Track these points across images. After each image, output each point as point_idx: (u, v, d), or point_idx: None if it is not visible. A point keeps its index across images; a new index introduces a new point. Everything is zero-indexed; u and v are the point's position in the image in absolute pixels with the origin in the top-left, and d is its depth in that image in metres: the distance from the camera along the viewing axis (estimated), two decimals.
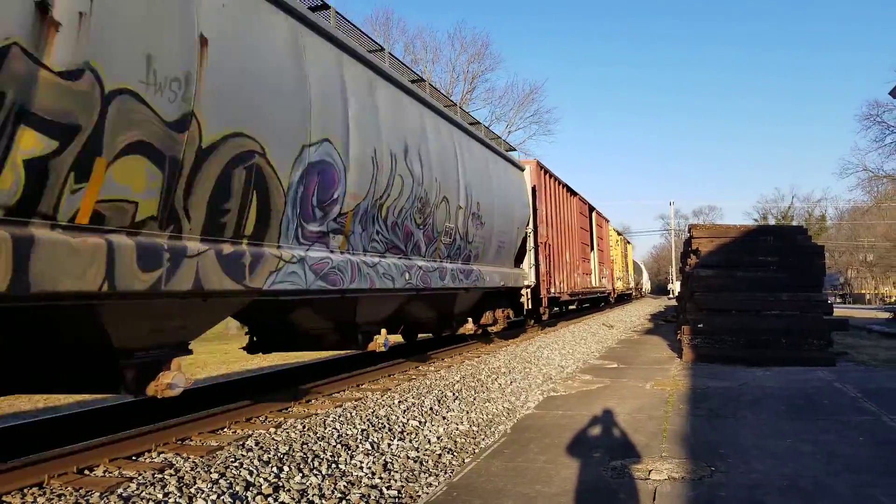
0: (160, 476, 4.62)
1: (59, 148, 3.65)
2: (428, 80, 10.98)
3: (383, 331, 8.26)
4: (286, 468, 4.90)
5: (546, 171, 18.36)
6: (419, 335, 13.44)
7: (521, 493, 4.26)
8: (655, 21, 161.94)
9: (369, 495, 4.41)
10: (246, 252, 5.28)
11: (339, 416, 6.56)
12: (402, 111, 8.44)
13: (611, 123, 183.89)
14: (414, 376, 9.55)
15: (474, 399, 7.88)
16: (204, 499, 4.22)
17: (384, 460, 5.22)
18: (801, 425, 6.02)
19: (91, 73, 3.79)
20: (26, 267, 3.44)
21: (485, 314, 12.96)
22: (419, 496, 4.43)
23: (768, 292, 11.40)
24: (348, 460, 5.20)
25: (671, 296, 61.97)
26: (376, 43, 8.70)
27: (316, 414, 6.79)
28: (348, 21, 7.86)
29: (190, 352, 5.51)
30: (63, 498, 4.24)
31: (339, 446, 5.54)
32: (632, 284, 48.46)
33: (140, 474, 4.68)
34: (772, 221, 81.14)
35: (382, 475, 4.86)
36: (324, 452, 5.35)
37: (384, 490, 4.53)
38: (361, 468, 5.02)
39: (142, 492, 4.31)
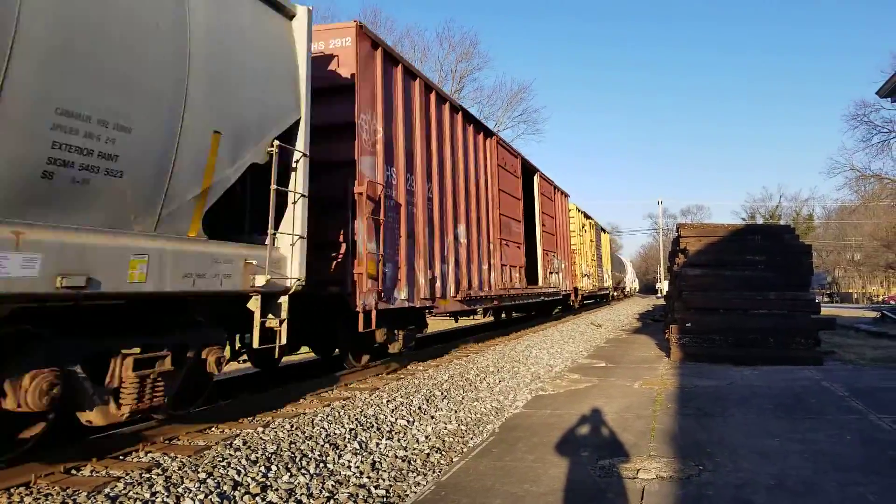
0: (147, 475, 4.59)
1: None
2: None
3: None
4: (274, 467, 4.88)
5: (387, 55, 9.62)
6: None
7: (510, 492, 4.26)
8: (644, 23, 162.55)
9: (357, 494, 4.40)
10: None
11: (328, 416, 6.54)
12: None
13: (599, 123, 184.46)
14: (402, 375, 9.53)
15: (463, 398, 7.87)
16: (192, 498, 4.20)
17: (372, 459, 5.21)
18: (788, 424, 6.05)
19: None
20: None
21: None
22: (407, 495, 4.42)
23: (756, 291, 11.45)
24: (336, 459, 5.18)
25: (659, 295, 62.26)
26: None
27: (304, 413, 6.76)
28: None
29: None
30: (50, 498, 4.20)
31: (327, 445, 5.53)
32: (608, 283, 38.68)
33: (127, 474, 4.64)
34: (760, 221, 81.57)
35: (371, 474, 4.85)
36: (312, 452, 5.33)
37: (372, 489, 4.52)
38: (350, 467, 5.00)
39: (129, 491, 4.28)
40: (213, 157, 5.53)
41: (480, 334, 16.43)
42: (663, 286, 56.12)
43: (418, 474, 4.92)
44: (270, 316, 6.36)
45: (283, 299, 6.47)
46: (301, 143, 6.76)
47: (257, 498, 4.29)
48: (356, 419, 6.45)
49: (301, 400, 7.58)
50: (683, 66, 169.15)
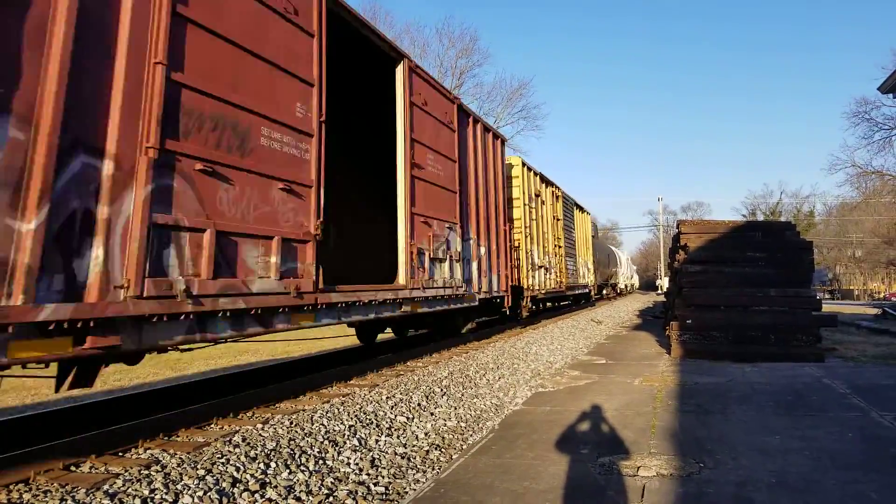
0: (146, 472, 4.58)
1: None
2: None
3: None
4: (273, 464, 4.86)
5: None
6: None
7: (510, 489, 4.24)
8: (644, 19, 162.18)
9: (356, 491, 4.38)
10: None
11: (327, 412, 6.53)
12: None
13: (599, 120, 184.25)
14: (402, 372, 9.52)
15: (462, 395, 7.86)
16: (190, 495, 4.19)
17: (372, 456, 5.20)
18: (789, 421, 6.04)
19: None
20: None
21: None
22: (407, 492, 4.41)
23: (757, 288, 11.43)
24: (336, 456, 5.17)
25: (659, 292, 62.16)
26: None
27: (303, 410, 6.75)
28: None
29: None
30: (49, 494, 4.19)
31: (326, 442, 5.51)
32: (588, 279, 29.04)
33: (126, 470, 4.64)
34: (760, 217, 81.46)
35: (370, 471, 4.84)
36: (311, 448, 5.32)
37: (371, 486, 4.51)
38: (349, 464, 4.99)
39: (128, 488, 4.27)
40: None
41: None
42: (663, 283, 56.18)
43: (418, 471, 4.91)
44: None
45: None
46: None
47: (256, 495, 4.28)
48: (355, 416, 6.44)
49: (300, 396, 7.57)
50: (683, 62, 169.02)
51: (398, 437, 5.86)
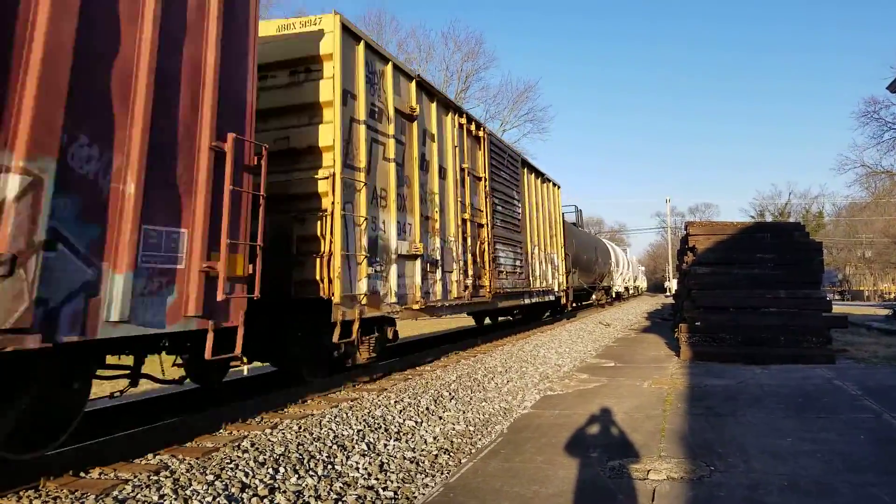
0: (156, 478, 4.59)
1: None
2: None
3: None
4: (282, 469, 4.86)
5: None
6: None
7: (518, 493, 4.23)
8: (652, 22, 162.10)
9: (365, 496, 4.37)
10: None
11: (335, 417, 6.52)
12: None
13: (606, 122, 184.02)
14: (410, 376, 9.51)
15: (471, 399, 7.84)
16: (199, 500, 4.19)
17: (380, 461, 5.19)
18: (800, 424, 6.00)
19: None
20: None
21: None
22: (416, 497, 4.40)
23: (766, 289, 11.37)
24: (344, 461, 5.16)
25: (668, 294, 61.85)
26: None
27: (312, 414, 6.75)
28: None
29: None
30: (59, 501, 4.20)
31: (335, 447, 5.51)
32: (557, 280, 20.32)
33: (136, 476, 4.64)
34: (769, 218, 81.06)
35: (379, 476, 4.83)
36: (320, 453, 5.31)
37: (380, 491, 4.50)
38: (357, 469, 4.98)
39: (137, 494, 4.27)
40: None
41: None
42: (672, 285, 55.29)
43: (426, 476, 4.89)
44: None
45: None
46: None
47: (265, 500, 4.27)
48: (364, 420, 6.43)
49: (308, 401, 7.57)
50: (690, 63, 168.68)
51: (407, 441, 5.85)
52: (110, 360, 5.66)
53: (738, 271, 11.71)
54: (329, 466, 5.02)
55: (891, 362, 10.25)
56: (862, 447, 5.14)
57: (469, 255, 12.01)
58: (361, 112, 8.33)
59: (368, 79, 8.58)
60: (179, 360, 6.73)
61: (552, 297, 19.30)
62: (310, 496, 4.36)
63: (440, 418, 6.80)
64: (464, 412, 7.10)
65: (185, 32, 5.31)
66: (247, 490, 4.43)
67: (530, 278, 16.52)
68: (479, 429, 6.46)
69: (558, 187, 21.27)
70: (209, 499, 4.23)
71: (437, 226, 10.75)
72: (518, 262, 15.43)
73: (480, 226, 12.88)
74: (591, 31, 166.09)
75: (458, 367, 10.24)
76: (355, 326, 8.02)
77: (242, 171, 5.77)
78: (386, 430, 6.18)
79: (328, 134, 7.86)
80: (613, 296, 39.43)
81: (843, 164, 69.07)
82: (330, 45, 7.94)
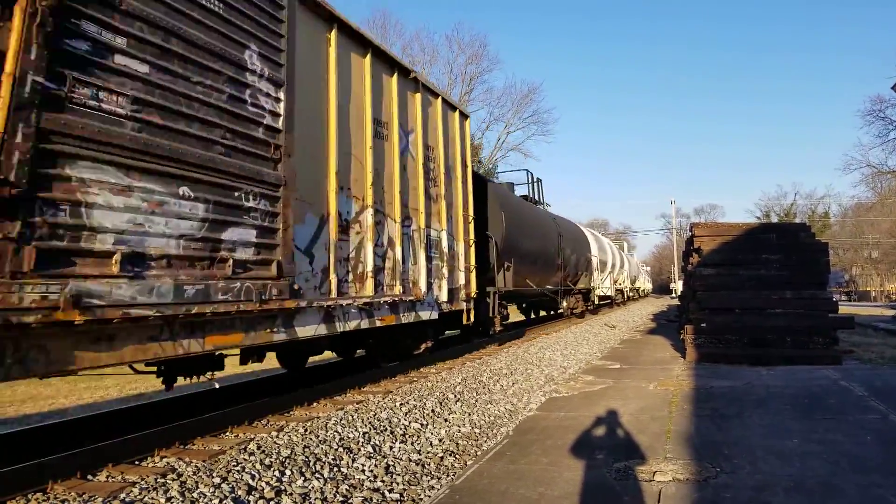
0: (162, 480, 4.61)
1: None
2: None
3: None
4: (288, 472, 4.87)
5: None
6: None
7: (524, 495, 4.23)
8: (655, 23, 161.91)
9: (371, 498, 4.38)
10: None
11: (341, 419, 6.54)
12: None
13: (611, 124, 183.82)
14: (415, 378, 9.52)
15: (476, 401, 7.85)
16: (206, 503, 4.20)
17: (386, 463, 5.20)
18: (806, 425, 5.98)
19: None
20: None
21: None
22: (421, 499, 4.40)
23: (772, 290, 11.34)
24: (350, 463, 5.17)
25: (673, 295, 61.68)
26: None
27: (318, 417, 6.77)
28: None
29: None
30: (66, 503, 4.23)
31: (340, 449, 5.52)
32: (456, 283, 11.41)
33: (143, 479, 4.66)
34: (774, 219, 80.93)
35: (384, 478, 4.84)
36: (326, 455, 5.33)
37: (386, 493, 4.50)
38: (363, 471, 4.99)
39: (144, 496, 4.29)
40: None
41: None
42: (677, 286, 54.44)
43: (432, 478, 4.90)
44: None
45: None
46: None
47: (272, 503, 4.29)
48: (369, 423, 6.44)
49: (314, 403, 7.58)
50: (694, 64, 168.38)
51: (412, 443, 5.86)
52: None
53: (743, 272, 11.68)
54: (335, 469, 5.03)
55: None
56: (868, 448, 5.13)
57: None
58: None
59: None
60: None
61: (426, 314, 10.05)
62: (316, 498, 4.38)
63: (446, 420, 6.80)
64: (469, 414, 7.11)
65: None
66: (253, 492, 4.44)
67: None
68: (484, 431, 6.47)
69: (462, 115, 12.31)
70: (216, 501, 4.24)
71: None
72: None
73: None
74: (593, 31, 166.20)
75: (463, 370, 10.25)
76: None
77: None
78: (392, 432, 6.19)
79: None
80: (595, 302, 27.81)
81: (849, 164, 69.12)
82: None
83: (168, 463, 5.15)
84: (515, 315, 24.21)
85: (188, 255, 5.26)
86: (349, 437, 5.89)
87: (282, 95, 6.55)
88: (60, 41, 4.32)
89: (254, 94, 6.15)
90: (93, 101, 4.54)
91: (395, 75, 9.56)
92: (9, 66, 3.97)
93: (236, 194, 5.81)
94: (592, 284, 26.88)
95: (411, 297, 9.38)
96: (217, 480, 4.61)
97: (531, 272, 17.29)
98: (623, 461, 4.92)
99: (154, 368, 6.21)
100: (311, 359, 11.06)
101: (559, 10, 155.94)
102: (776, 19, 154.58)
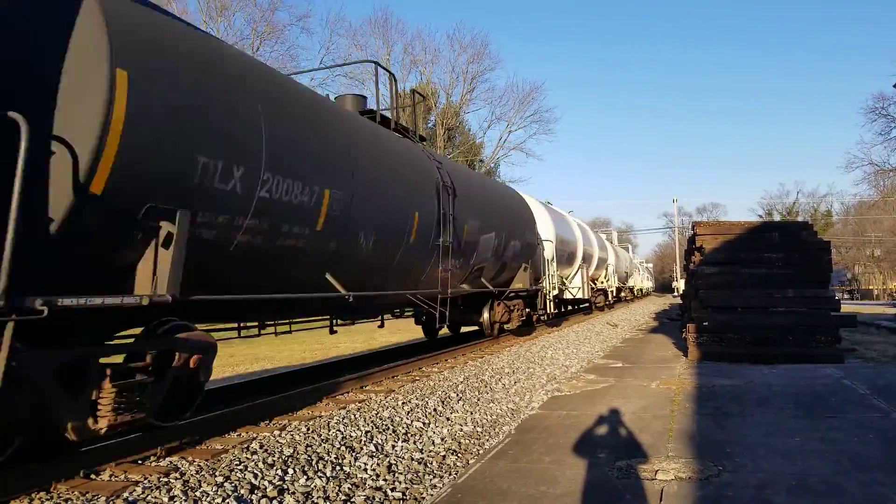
0: (166, 480, 4.62)
1: None
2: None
3: None
4: (291, 471, 4.88)
5: None
6: None
7: (527, 493, 4.23)
8: (657, 22, 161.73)
9: (374, 497, 4.39)
10: None
11: (343, 418, 6.55)
12: None
13: (614, 123, 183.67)
14: (417, 377, 9.53)
15: (478, 400, 7.85)
16: (209, 502, 4.21)
17: (388, 462, 5.21)
18: (809, 423, 5.98)
19: None
20: None
21: None
22: (424, 498, 4.41)
23: (774, 289, 11.33)
24: (352, 462, 5.18)
25: (675, 294, 61.59)
26: None
27: (320, 416, 6.78)
28: None
29: None
30: (69, 502, 4.24)
31: (343, 448, 5.53)
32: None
33: (146, 478, 4.67)
34: (777, 217, 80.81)
35: (387, 477, 4.84)
36: (328, 454, 5.33)
37: (388, 492, 4.51)
38: (366, 470, 5.00)
39: (147, 495, 4.30)
40: None
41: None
42: (679, 285, 53.99)
43: (434, 476, 4.90)
44: None
45: None
46: None
47: (274, 501, 4.29)
48: (372, 421, 6.45)
49: (317, 403, 7.59)
50: (696, 63, 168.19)
51: (415, 442, 5.87)
52: None
53: (745, 271, 11.67)
54: (337, 467, 5.04)
55: None
56: (871, 446, 5.12)
57: None
58: None
59: None
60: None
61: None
62: (318, 497, 4.38)
63: (448, 419, 6.81)
64: (471, 413, 7.11)
65: None
66: (256, 491, 4.45)
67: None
68: (486, 430, 6.47)
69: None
70: (219, 500, 4.25)
71: None
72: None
73: None
74: (594, 31, 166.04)
75: (465, 369, 10.26)
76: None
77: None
78: (394, 431, 6.20)
79: None
80: (550, 311, 18.84)
81: (851, 162, 68.66)
82: None
83: (171, 462, 5.15)
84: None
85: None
86: (351, 436, 5.90)
87: None
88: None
89: None
90: None
91: None
92: None
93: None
94: (546, 284, 18.55)
95: None
96: (220, 479, 4.62)
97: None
98: (625, 460, 4.93)
99: None
100: None
101: (561, 10, 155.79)
102: (777, 18, 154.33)
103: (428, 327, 15.37)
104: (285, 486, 4.56)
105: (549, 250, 18.88)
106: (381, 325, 11.52)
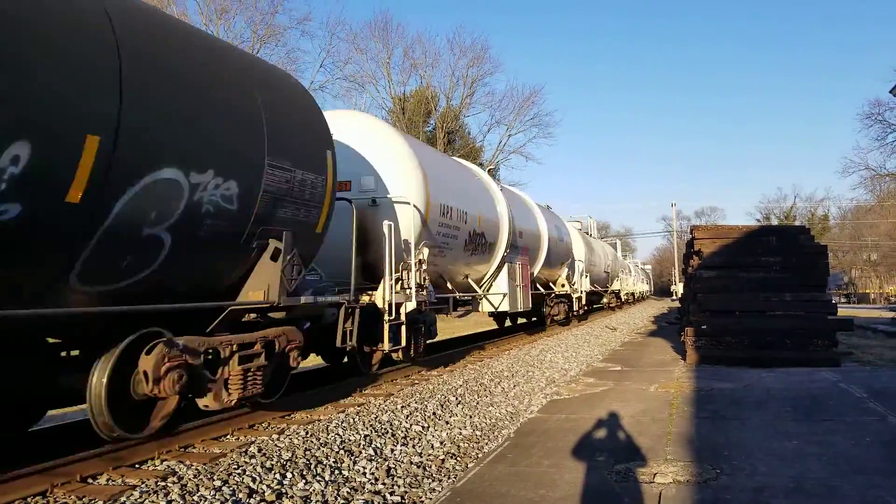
0: (163, 484, 4.61)
1: None
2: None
3: None
4: (289, 475, 4.88)
5: None
6: None
7: (526, 497, 4.24)
8: (655, 23, 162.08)
9: (373, 501, 4.39)
10: None
11: (342, 422, 6.54)
12: None
13: (612, 126, 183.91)
14: (416, 381, 9.52)
15: (477, 403, 7.85)
16: None
17: (387, 466, 5.20)
18: (806, 427, 5.99)
19: None
20: None
21: None
22: (423, 502, 4.41)
23: (772, 293, 11.36)
24: (351, 466, 5.18)
25: (674, 297, 61.57)
26: None
27: (319, 420, 6.77)
28: None
29: None
30: None
31: (342, 452, 5.53)
32: None
33: (143, 482, 4.66)
34: (774, 221, 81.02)
35: (386, 481, 4.84)
36: (327, 458, 5.33)
37: (387, 496, 4.51)
38: (365, 474, 5.00)
39: (145, 500, 4.30)
40: None
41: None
42: (678, 288, 53.73)
43: (433, 480, 4.91)
44: None
45: None
46: None
47: None
48: (371, 425, 6.45)
49: (315, 406, 7.59)
50: (694, 65, 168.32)
51: (413, 446, 5.87)
52: None
53: (743, 275, 11.70)
54: (336, 471, 5.04)
55: None
56: (868, 450, 5.13)
57: None
58: None
59: None
60: None
61: None
62: (317, 501, 4.38)
63: (447, 423, 6.81)
64: (470, 417, 7.12)
65: None
66: (254, 495, 4.45)
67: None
68: (485, 433, 6.47)
69: None
70: None
71: None
72: None
73: None
74: (593, 32, 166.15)
75: (464, 372, 10.26)
76: None
77: None
78: (393, 435, 6.20)
79: None
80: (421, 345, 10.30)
81: (848, 166, 69.01)
82: None
83: (169, 466, 5.15)
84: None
85: None
86: (350, 440, 5.90)
87: None
88: None
89: None
90: None
91: None
92: None
93: None
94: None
95: None
96: (218, 483, 4.62)
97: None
98: (624, 463, 4.93)
99: None
100: None
101: (557, 12, 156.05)
102: (777, 16, 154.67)
103: None
104: (284, 490, 4.55)
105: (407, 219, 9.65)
106: None
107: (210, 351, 5.67)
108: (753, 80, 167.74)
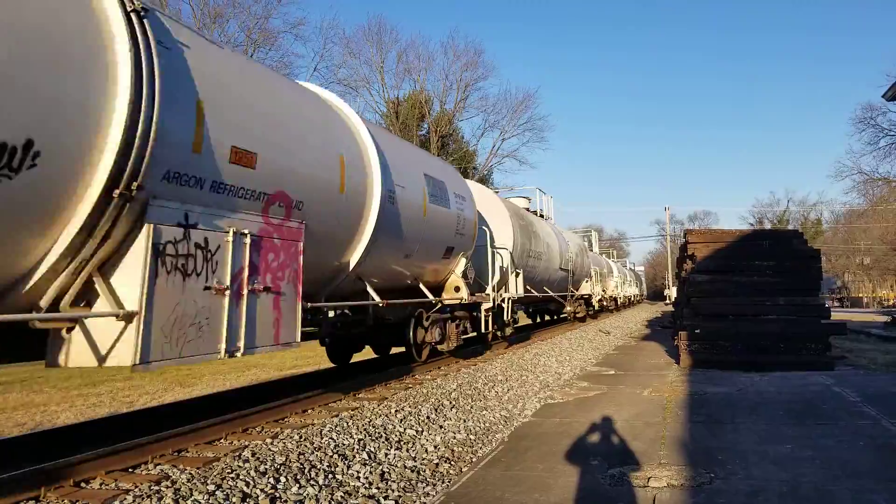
0: (157, 488, 4.59)
1: None
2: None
3: None
4: (283, 479, 4.87)
5: None
6: None
7: (520, 501, 4.23)
8: (649, 29, 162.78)
9: None
10: None
11: (336, 426, 6.53)
12: None
13: (605, 131, 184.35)
14: (410, 385, 9.51)
15: (471, 407, 7.85)
16: None
17: (381, 470, 5.20)
18: (800, 430, 6.01)
19: None
20: None
21: None
22: None
23: (765, 297, 11.39)
24: (345, 470, 5.17)
25: (667, 301, 61.68)
26: None
27: (312, 424, 6.75)
28: None
29: None
30: None
31: (335, 456, 5.51)
32: None
33: (136, 486, 4.64)
34: (767, 226, 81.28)
35: (380, 485, 4.84)
36: (320, 463, 5.32)
37: (381, 500, 4.50)
38: (358, 478, 4.99)
39: None
40: None
41: None
42: (671, 292, 53.83)
43: (427, 484, 4.90)
44: None
45: None
46: None
47: None
48: (364, 429, 6.44)
49: (309, 410, 7.57)
50: (688, 71, 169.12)
51: (408, 450, 5.86)
52: None
53: (737, 279, 11.73)
54: (330, 476, 5.03)
55: (889, 369, 10.26)
56: (861, 453, 5.15)
57: None
58: None
59: None
60: None
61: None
62: None
63: (441, 427, 6.80)
64: (464, 421, 7.11)
65: None
66: (248, 500, 4.43)
67: None
68: (479, 437, 6.47)
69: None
70: None
71: None
72: None
73: None
74: (586, 39, 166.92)
75: (458, 376, 10.24)
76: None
77: None
78: (387, 439, 6.19)
79: None
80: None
81: (841, 171, 69.32)
82: None
83: (162, 470, 5.13)
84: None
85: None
86: (344, 444, 5.89)
87: None
88: None
89: None
90: None
91: None
92: None
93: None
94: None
95: None
96: (211, 488, 4.60)
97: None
98: (618, 467, 4.93)
99: None
100: None
101: (552, 18, 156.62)
102: (770, 24, 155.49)
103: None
104: (277, 495, 4.54)
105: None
106: None
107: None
108: (748, 86, 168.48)
